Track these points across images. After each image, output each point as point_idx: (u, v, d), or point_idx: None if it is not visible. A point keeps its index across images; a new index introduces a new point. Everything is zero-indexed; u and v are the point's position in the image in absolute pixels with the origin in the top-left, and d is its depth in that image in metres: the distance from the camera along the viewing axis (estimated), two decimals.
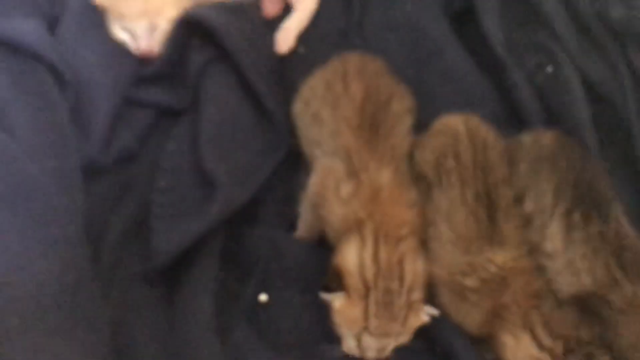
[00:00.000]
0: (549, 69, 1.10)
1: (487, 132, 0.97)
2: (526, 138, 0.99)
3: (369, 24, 1.15)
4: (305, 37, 1.11)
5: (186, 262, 0.91)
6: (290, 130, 1.02)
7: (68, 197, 0.91)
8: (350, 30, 1.14)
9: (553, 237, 0.90)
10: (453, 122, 0.97)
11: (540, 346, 0.84)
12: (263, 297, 0.91)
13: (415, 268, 0.84)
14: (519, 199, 0.94)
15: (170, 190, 0.97)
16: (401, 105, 0.99)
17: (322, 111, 0.98)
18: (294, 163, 1.01)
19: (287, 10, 1.14)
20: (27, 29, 0.99)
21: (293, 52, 1.10)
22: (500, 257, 0.87)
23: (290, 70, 1.08)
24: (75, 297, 0.82)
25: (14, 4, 1.04)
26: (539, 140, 0.97)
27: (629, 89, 1.07)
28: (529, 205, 0.93)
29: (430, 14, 1.16)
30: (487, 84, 1.11)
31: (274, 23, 1.13)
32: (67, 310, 0.81)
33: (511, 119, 1.08)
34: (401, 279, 0.82)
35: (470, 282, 0.87)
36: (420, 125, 1.01)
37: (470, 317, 0.88)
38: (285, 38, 1.10)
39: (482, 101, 1.09)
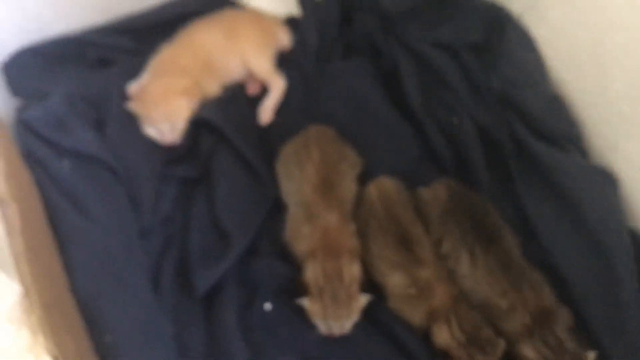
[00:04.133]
0: (455, 120, 1.33)
1: (394, 190, 1.20)
2: (426, 195, 1.20)
3: (323, 96, 1.39)
4: (279, 110, 1.37)
5: (216, 288, 1.15)
6: (274, 183, 1.25)
7: (134, 257, 1.14)
8: (310, 102, 1.38)
9: (463, 265, 1.13)
10: (369, 192, 1.20)
11: (452, 336, 1.07)
12: (268, 306, 1.15)
13: (350, 271, 1.10)
14: (438, 243, 1.15)
15: (200, 242, 1.20)
16: (347, 164, 1.24)
17: (293, 171, 1.22)
18: (279, 207, 1.23)
19: (264, 89, 1.40)
20: (88, 139, 1.23)
21: (272, 122, 1.36)
22: (424, 273, 1.11)
23: (272, 136, 1.33)
24: (151, 319, 1.09)
25: (75, 117, 1.27)
26: (437, 195, 1.19)
27: (506, 136, 1.30)
28: (446, 247, 1.15)
29: (367, 83, 1.41)
30: (410, 134, 1.34)
31: (255, 99, 1.39)
32: (152, 325, 1.08)
33: (431, 160, 1.33)
34: (341, 280, 1.08)
35: (411, 291, 1.11)
36: (367, 168, 1.27)
37: (414, 315, 1.12)
38: (266, 113, 1.37)
39: (408, 148, 1.34)
